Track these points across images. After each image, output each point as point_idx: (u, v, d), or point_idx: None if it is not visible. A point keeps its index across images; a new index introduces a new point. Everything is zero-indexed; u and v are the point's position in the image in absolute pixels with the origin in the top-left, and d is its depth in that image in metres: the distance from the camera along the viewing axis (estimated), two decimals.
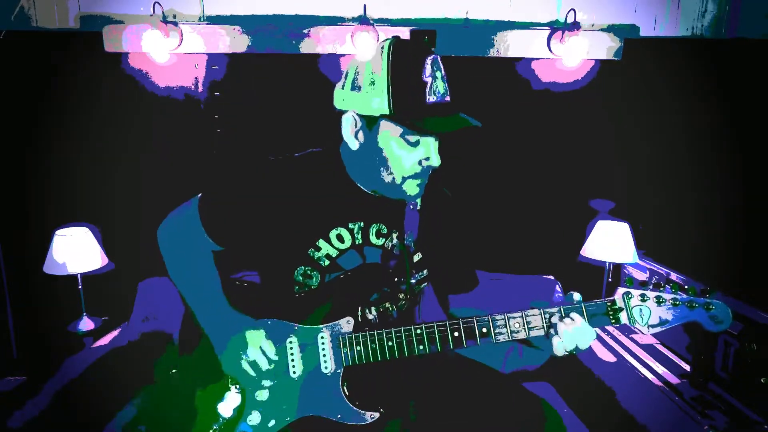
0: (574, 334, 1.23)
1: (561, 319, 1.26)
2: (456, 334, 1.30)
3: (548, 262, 2.77)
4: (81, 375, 2.05)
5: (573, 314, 1.26)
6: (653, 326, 1.24)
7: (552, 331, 1.26)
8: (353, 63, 1.29)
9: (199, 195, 1.42)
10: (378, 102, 1.22)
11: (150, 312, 2.42)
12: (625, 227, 2.62)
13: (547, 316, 1.28)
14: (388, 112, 1.22)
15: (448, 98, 1.27)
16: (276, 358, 1.31)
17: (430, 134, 1.25)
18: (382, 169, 1.29)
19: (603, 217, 2.81)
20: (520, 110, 2.85)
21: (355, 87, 1.26)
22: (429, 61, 1.22)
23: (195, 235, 1.40)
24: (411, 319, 1.54)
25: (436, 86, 1.23)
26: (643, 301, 1.25)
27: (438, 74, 1.24)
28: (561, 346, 1.24)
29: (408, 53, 1.23)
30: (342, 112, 1.30)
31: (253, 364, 1.30)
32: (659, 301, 1.24)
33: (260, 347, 1.29)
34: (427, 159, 1.27)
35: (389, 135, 1.25)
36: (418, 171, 1.29)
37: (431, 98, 1.23)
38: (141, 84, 2.67)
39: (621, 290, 1.26)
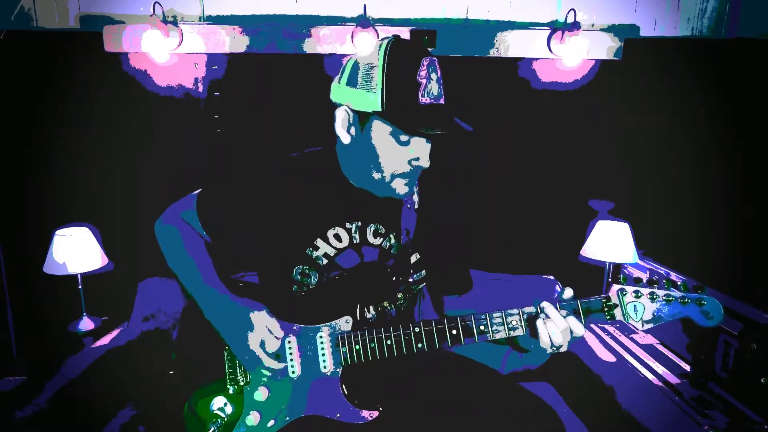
0: (551, 329, 1.23)
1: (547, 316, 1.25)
2: (454, 332, 1.30)
3: (548, 262, 2.77)
4: (81, 375, 2.05)
5: (547, 310, 1.25)
6: (647, 322, 1.26)
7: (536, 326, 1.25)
8: (351, 58, 1.30)
9: (199, 190, 1.43)
10: (371, 98, 1.23)
11: (150, 312, 2.43)
12: (625, 227, 2.61)
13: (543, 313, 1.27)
14: (380, 110, 1.22)
15: (442, 101, 1.27)
16: (281, 334, 1.30)
17: (421, 135, 1.25)
18: (371, 165, 1.29)
19: (603, 217, 2.80)
20: (520, 110, 2.85)
21: (351, 82, 1.27)
22: (425, 62, 1.22)
23: (192, 228, 1.41)
24: (410, 318, 1.54)
25: (431, 88, 1.23)
26: (637, 297, 1.26)
27: (433, 76, 1.24)
28: (546, 339, 1.23)
29: (405, 53, 1.23)
30: (337, 106, 1.31)
31: (262, 345, 1.28)
32: (653, 298, 1.25)
33: (266, 326, 1.28)
34: (417, 159, 1.28)
35: (380, 132, 1.25)
36: (407, 170, 1.29)
37: (425, 99, 1.23)
38: (141, 84, 2.67)
39: (616, 287, 1.28)
